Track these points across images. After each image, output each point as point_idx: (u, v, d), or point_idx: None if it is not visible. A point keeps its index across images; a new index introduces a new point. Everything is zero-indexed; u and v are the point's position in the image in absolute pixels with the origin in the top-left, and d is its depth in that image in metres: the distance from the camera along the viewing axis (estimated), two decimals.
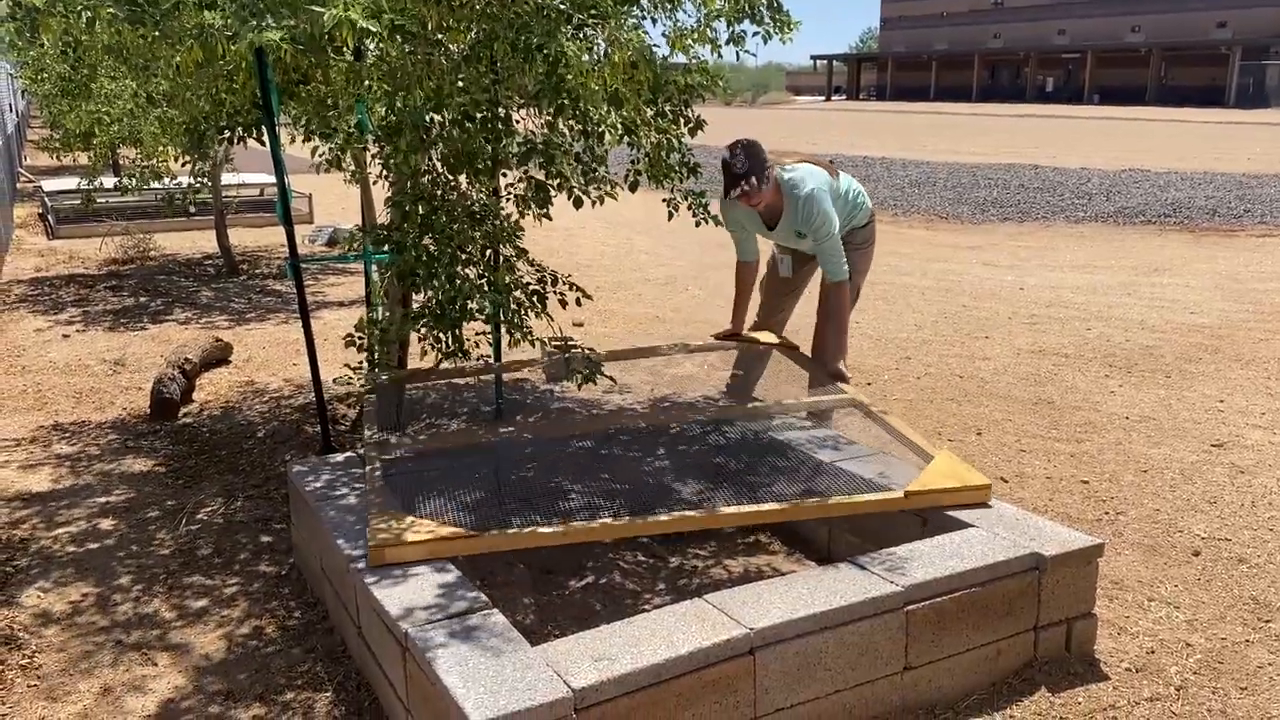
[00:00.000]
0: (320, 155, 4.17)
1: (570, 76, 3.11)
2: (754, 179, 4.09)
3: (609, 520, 3.05)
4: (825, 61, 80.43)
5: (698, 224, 4.08)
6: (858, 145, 23.87)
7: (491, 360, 4.44)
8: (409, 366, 4.76)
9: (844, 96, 76.00)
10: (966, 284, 8.99)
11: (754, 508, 3.10)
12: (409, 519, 2.95)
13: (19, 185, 15.85)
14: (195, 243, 10.98)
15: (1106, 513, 4.09)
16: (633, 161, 3.73)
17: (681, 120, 3.70)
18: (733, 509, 3.09)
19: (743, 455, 3.63)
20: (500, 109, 3.46)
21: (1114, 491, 4.30)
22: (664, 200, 3.98)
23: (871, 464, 3.50)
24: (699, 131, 3.71)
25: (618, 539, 3.39)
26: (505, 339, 4.09)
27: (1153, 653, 3.06)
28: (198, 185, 8.34)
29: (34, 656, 3.08)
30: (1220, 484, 4.37)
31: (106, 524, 4.03)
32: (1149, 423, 5.17)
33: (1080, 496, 4.25)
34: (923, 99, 64.31)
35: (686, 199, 3.97)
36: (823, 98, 76.40)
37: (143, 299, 8.26)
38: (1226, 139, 26.39)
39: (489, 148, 3.44)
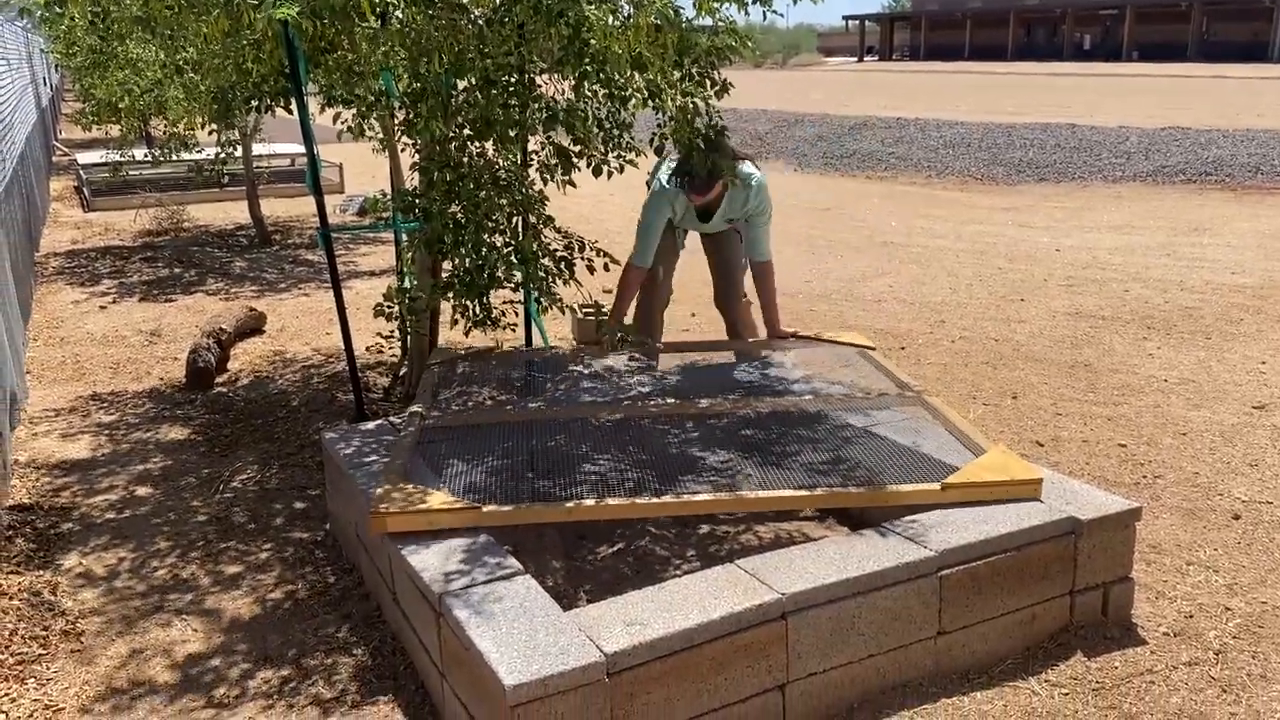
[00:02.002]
0: (343, 122, 4.16)
1: (594, 40, 3.07)
2: (723, 179, 4.05)
3: (640, 499, 2.93)
4: (857, 21, 79.25)
5: (725, 189, 4.04)
6: (890, 106, 23.54)
7: (521, 328, 4.44)
8: (439, 335, 4.76)
9: (876, 57, 74.94)
10: (1001, 246, 8.87)
11: (794, 493, 2.96)
12: (417, 488, 2.92)
13: (54, 159, 16.01)
14: (228, 213, 11.04)
15: (1144, 476, 4.03)
16: (658, 124, 3.69)
17: (709, 83, 3.65)
18: (771, 494, 2.96)
19: (785, 439, 3.42)
20: (524, 74, 3.43)
21: (1152, 455, 4.24)
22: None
23: (916, 447, 3.30)
24: (725, 94, 3.66)
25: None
26: (535, 307, 4.09)
27: (1191, 617, 3.03)
28: (224, 155, 8.36)
29: (75, 621, 3.14)
30: (1262, 446, 4.29)
31: (144, 491, 4.08)
32: (1188, 385, 5.09)
33: (1117, 460, 4.19)
34: (957, 58, 63.24)
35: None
36: (855, 59, 75.37)
37: (177, 270, 8.33)
38: (1270, 95, 25.76)
39: (511, 114, 3.41)
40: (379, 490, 2.93)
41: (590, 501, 2.90)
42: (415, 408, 3.60)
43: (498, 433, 3.46)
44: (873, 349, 4.36)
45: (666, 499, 2.93)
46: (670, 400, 3.70)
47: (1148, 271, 7.68)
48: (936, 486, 2.94)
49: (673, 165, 4.22)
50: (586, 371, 4.10)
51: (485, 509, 2.83)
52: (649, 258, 4.36)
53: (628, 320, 4.52)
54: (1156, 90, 28.62)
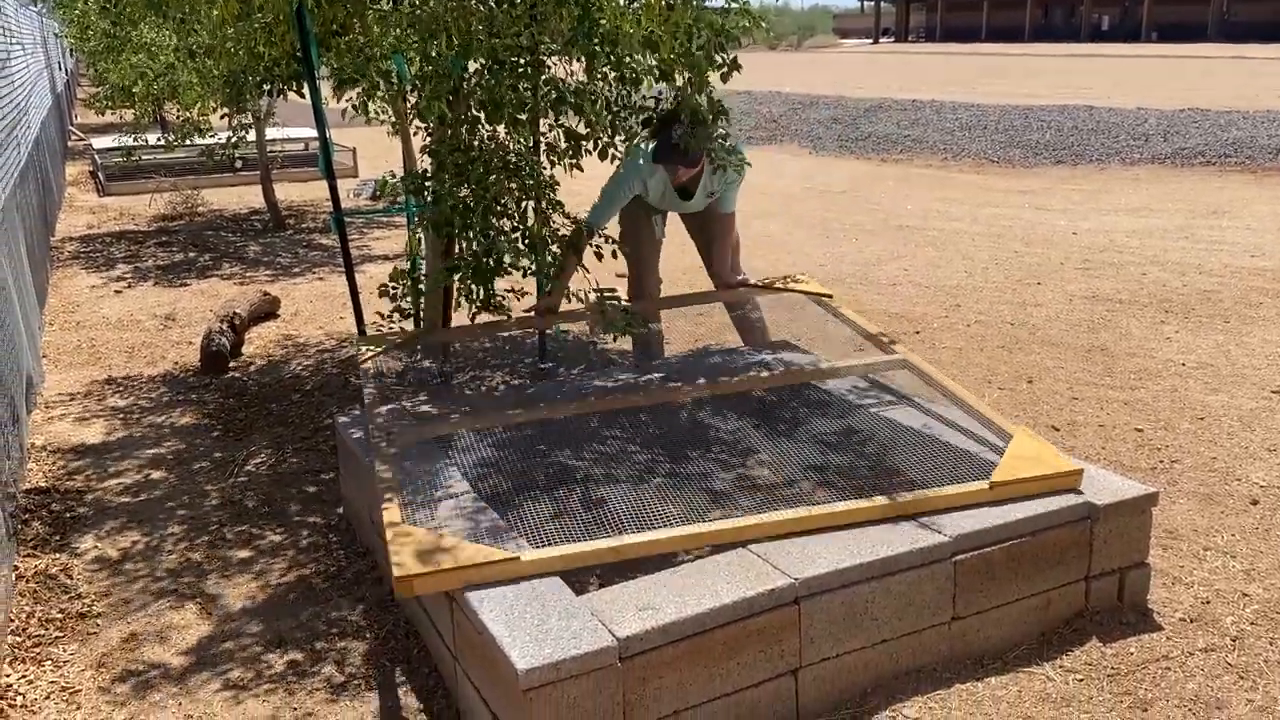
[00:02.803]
0: (347, 100, 4.12)
1: (604, 20, 3.04)
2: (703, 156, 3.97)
3: (696, 527, 2.68)
4: (873, 3, 78.64)
5: (715, 171, 3.98)
6: (906, 88, 23.38)
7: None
8: (452, 319, 4.75)
9: (892, 39, 74.40)
10: (1018, 229, 8.80)
11: (854, 505, 2.75)
12: (436, 535, 2.60)
13: (70, 143, 16.06)
14: (242, 198, 11.06)
15: (1161, 461, 4.00)
16: (654, 98, 3.66)
17: (714, 62, 3.60)
18: (830, 509, 2.74)
19: (805, 437, 3.26)
20: (535, 55, 3.40)
21: (1169, 439, 4.20)
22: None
23: (947, 443, 3.18)
24: (732, 76, 3.62)
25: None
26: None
27: (1208, 603, 3.00)
28: (236, 139, 8.36)
29: (90, 603, 3.16)
30: None
31: (158, 475, 4.10)
32: (1206, 369, 5.04)
33: (1134, 445, 4.16)
34: (973, 40, 62.74)
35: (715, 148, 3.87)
36: (870, 40, 74.85)
37: (191, 254, 8.35)
38: None
39: (520, 95, 3.38)
40: (395, 547, 2.54)
41: (641, 538, 2.63)
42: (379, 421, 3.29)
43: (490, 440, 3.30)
44: (829, 296, 4.32)
45: (721, 525, 2.67)
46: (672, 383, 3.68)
47: (1166, 254, 7.61)
48: (985, 485, 2.84)
49: (654, 145, 4.12)
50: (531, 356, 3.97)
51: (526, 558, 2.51)
52: (604, 220, 4.20)
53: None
54: (1177, 71, 28.34)
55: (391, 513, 2.70)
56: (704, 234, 4.58)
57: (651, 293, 4.60)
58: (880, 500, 2.76)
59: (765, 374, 3.74)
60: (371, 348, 3.83)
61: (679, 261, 5.95)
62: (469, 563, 2.47)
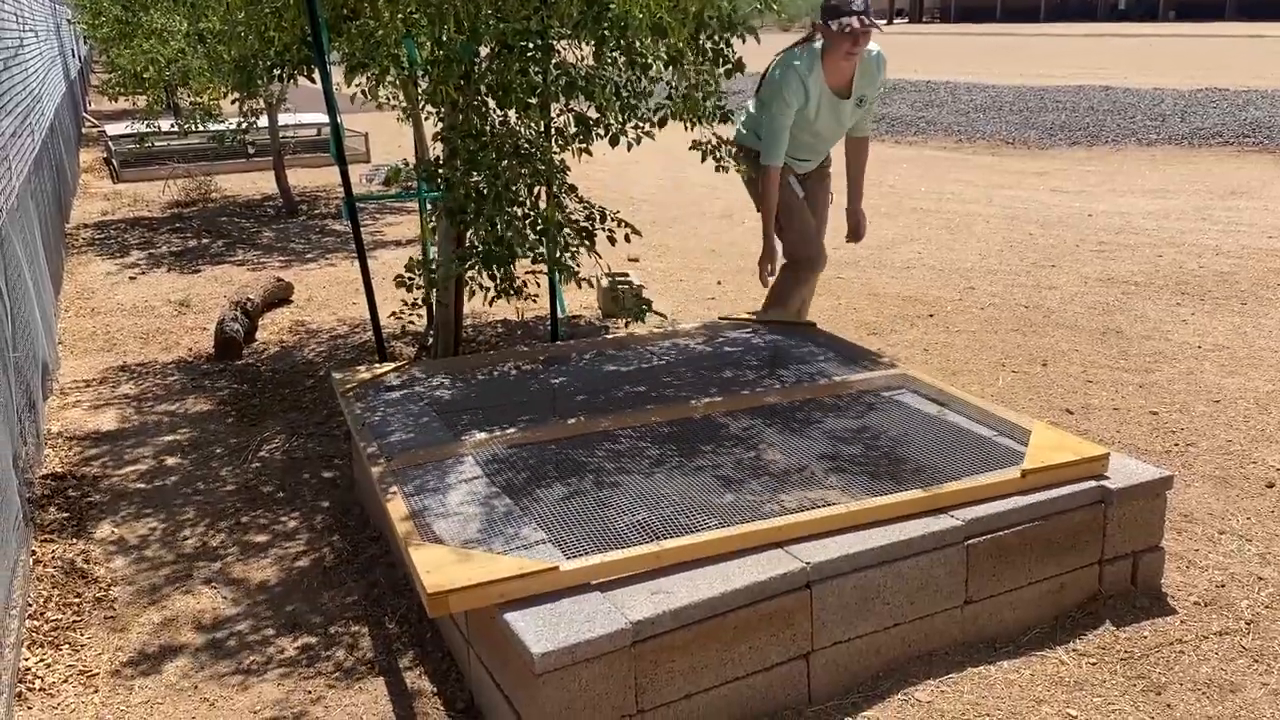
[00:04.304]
0: (356, 85, 4.11)
1: (614, 5, 3.03)
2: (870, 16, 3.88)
3: (737, 528, 2.56)
4: None
5: (717, 169, 3.93)
6: (921, 70, 23.22)
7: (542, 299, 4.41)
8: (464, 305, 4.76)
9: (906, 20, 73.84)
10: (1033, 211, 8.75)
11: (892, 499, 2.69)
12: (463, 548, 2.50)
13: (84, 130, 16.12)
14: (255, 184, 11.08)
15: (1176, 444, 3.98)
16: (668, 97, 3.63)
17: (720, 60, 3.57)
18: (869, 503, 2.67)
19: (821, 438, 3.18)
20: (545, 39, 3.38)
21: (1184, 422, 4.18)
22: (693, 143, 3.86)
23: (970, 442, 3.12)
24: (737, 74, 3.59)
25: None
26: (558, 277, 4.06)
27: (1223, 586, 2.99)
28: (246, 125, 8.37)
29: (107, 588, 3.18)
30: None
31: (173, 461, 4.12)
32: (1222, 351, 5.01)
33: (1149, 428, 4.14)
34: (989, 20, 62.26)
35: (717, 147, 3.84)
36: (885, 21, 74.29)
37: (205, 240, 8.38)
38: None
39: (531, 79, 3.37)
40: (422, 563, 2.42)
41: (680, 542, 2.50)
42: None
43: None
44: (812, 325, 4.22)
45: (760, 525, 2.57)
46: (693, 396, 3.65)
47: (1182, 236, 7.55)
48: (1017, 474, 2.80)
49: (796, 49, 4.05)
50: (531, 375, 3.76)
51: (565, 567, 2.41)
52: (780, 154, 4.10)
53: (783, 312, 4.38)
54: (1194, 50, 28.03)
55: (407, 526, 2.59)
56: (811, 201, 4.47)
57: (812, 256, 4.43)
58: (918, 493, 2.72)
59: (777, 386, 3.59)
60: (354, 376, 3.76)
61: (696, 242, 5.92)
62: (505, 575, 2.34)
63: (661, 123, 3.69)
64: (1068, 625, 2.81)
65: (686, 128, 3.73)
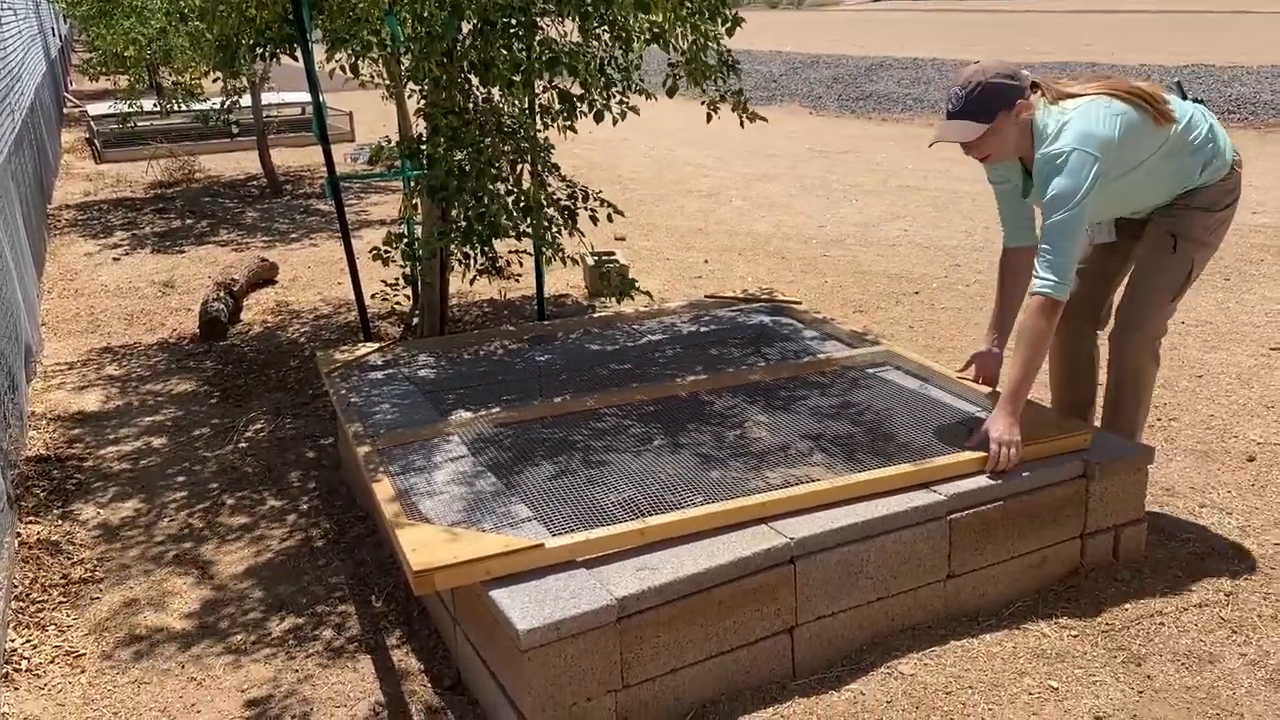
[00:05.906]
0: (336, 61, 4.07)
1: None
2: (971, 120, 2.83)
3: (726, 503, 2.57)
4: None
5: (741, 124, 3.93)
6: (906, 47, 23.16)
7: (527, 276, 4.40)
8: (449, 284, 4.75)
9: None
10: None
11: (878, 474, 2.70)
12: (449, 526, 2.50)
13: (65, 110, 15.96)
14: (239, 164, 11.00)
15: (1159, 419, 4.00)
16: (671, 64, 3.62)
17: (719, 19, 3.56)
18: (857, 478, 2.67)
19: (808, 415, 3.17)
20: (528, 15, 3.36)
21: (1167, 397, 4.20)
22: (703, 102, 3.87)
23: (956, 419, 3.12)
24: (737, 30, 3.58)
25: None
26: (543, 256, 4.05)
27: (1203, 559, 3.02)
28: (229, 104, 8.30)
29: (93, 569, 3.18)
30: (1278, 389, 4.25)
31: (158, 442, 4.11)
32: (1205, 326, 5.04)
33: None
34: None
35: (728, 99, 3.81)
36: None
37: (189, 221, 8.32)
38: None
39: (514, 55, 3.35)
40: (407, 541, 2.41)
41: (666, 518, 2.50)
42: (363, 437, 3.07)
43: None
44: (798, 303, 4.18)
45: (746, 501, 2.57)
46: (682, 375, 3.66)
47: None
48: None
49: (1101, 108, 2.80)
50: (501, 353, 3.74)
51: (550, 544, 2.40)
52: (1006, 229, 3.12)
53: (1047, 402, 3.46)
54: (1181, 26, 28.04)
55: (394, 507, 2.59)
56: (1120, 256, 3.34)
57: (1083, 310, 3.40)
58: (901, 468, 2.73)
59: (761, 364, 3.59)
60: (339, 355, 3.74)
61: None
62: (490, 552, 2.34)
63: (670, 92, 3.67)
64: (1049, 598, 2.84)
65: (699, 90, 3.72)
